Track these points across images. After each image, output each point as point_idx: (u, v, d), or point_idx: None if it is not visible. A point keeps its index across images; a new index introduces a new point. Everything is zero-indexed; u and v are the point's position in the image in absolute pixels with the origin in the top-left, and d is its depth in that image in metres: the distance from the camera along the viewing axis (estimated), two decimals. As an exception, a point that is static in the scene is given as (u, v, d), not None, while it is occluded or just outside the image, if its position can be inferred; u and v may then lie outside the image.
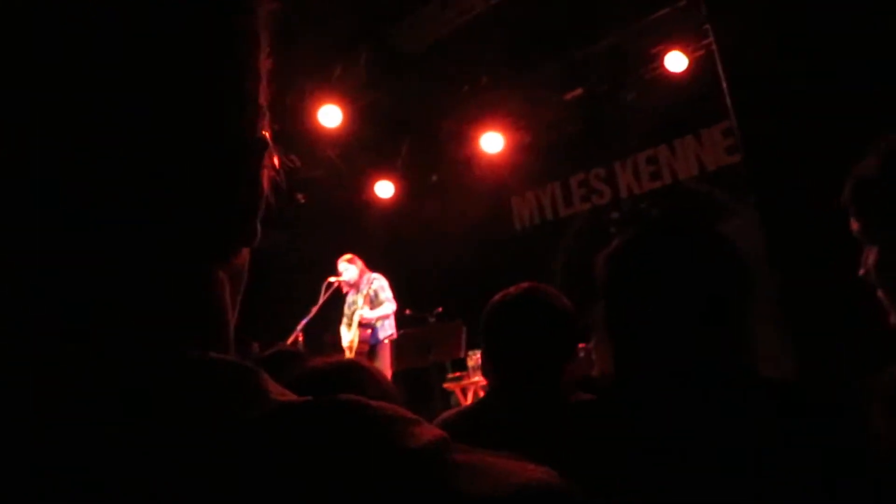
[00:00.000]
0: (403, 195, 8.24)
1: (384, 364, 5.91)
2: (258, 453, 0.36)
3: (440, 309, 6.35)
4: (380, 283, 6.24)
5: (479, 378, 6.13)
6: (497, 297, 1.64)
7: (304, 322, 5.80)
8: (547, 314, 1.55)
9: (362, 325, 6.13)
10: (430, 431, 0.39)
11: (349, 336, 6.24)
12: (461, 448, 0.39)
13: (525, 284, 1.64)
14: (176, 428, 0.35)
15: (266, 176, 0.49)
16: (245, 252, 0.48)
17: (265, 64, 0.49)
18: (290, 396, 0.41)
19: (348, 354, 6.08)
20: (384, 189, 8.07)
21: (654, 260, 1.06)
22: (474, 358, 6.28)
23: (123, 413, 0.36)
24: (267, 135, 0.50)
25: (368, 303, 6.15)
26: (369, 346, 6.10)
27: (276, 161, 0.52)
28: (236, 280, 0.46)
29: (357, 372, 0.95)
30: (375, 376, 0.97)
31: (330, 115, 6.71)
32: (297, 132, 6.67)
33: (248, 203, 0.45)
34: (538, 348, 1.54)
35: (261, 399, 0.39)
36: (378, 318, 6.12)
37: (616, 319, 1.09)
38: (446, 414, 1.76)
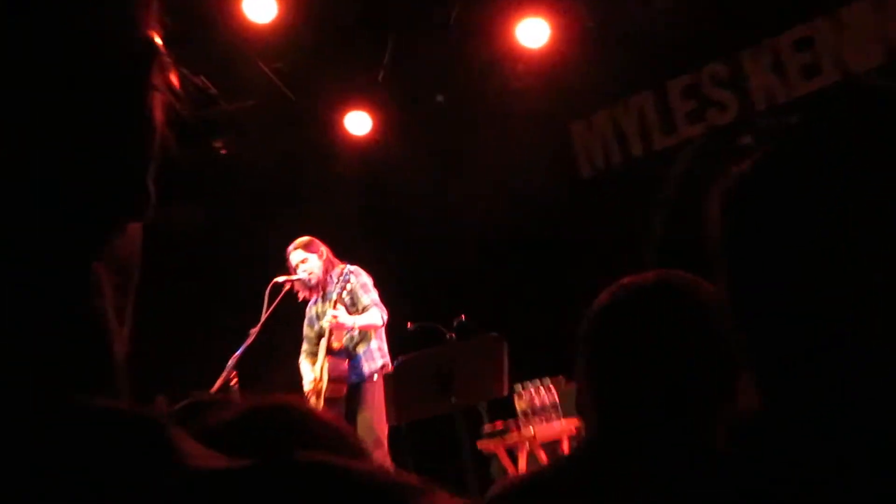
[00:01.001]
0: (389, 131, 8.24)
1: (375, 414, 5.95)
2: None
3: (463, 317, 6.36)
4: (359, 281, 6.28)
5: (535, 428, 6.16)
6: (605, 296, 1.67)
7: (238, 354, 5.84)
8: (695, 322, 1.58)
9: (334, 351, 6.17)
10: (446, 502, 0.41)
11: (313, 372, 6.28)
12: None
13: (651, 275, 1.66)
14: None
15: (158, 104, 0.49)
16: (133, 231, 0.49)
17: None
18: (221, 461, 0.42)
19: (315, 402, 6.13)
20: (357, 123, 8.07)
21: (811, 197, 1.05)
22: (526, 397, 6.30)
23: None
24: (156, 37, 0.50)
25: (344, 308, 6.20)
26: (349, 385, 6.15)
27: (174, 79, 0.53)
28: (123, 276, 0.47)
29: (295, 414, 0.98)
30: (324, 419, 1.01)
31: (259, 6, 6.69)
32: (207, 37, 6.68)
33: (130, 149, 0.45)
34: (682, 377, 1.57)
35: (175, 467, 0.41)
36: (363, 328, 6.16)
37: (746, 307, 1.09)
38: (510, 479, 1.78)
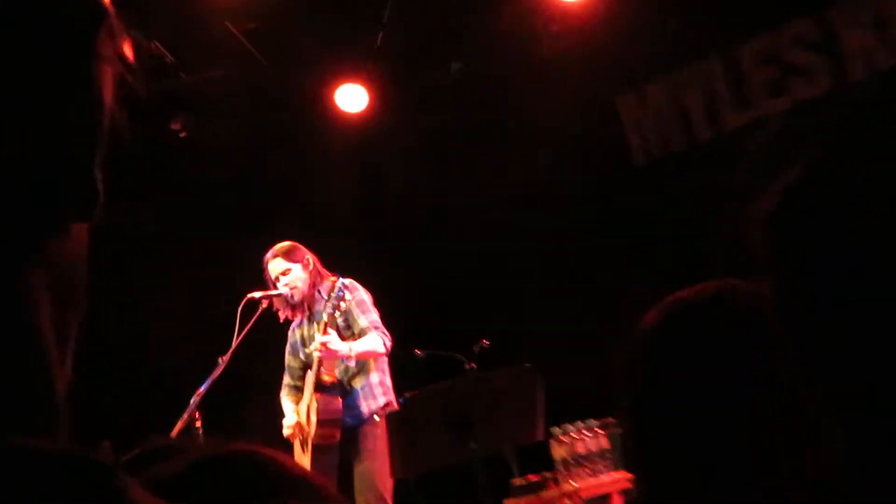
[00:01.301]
0: (390, 109, 8.23)
1: (377, 465, 5.94)
2: None
3: (485, 342, 6.35)
4: (355, 297, 6.26)
5: (577, 481, 6.14)
6: (652, 316, 1.68)
7: (203, 388, 5.85)
8: (765, 347, 1.56)
9: (324, 386, 6.16)
10: None
11: (297, 413, 6.28)
12: None
13: (710, 288, 1.68)
14: None
15: (108, 77, 0.50)
16: (78, 233, 0.50)
17: None
18: None
19: (300, 453, 6.13)
20: (351, 98, 8.07)
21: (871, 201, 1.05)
22: (566, 442, 6.29)
23: None
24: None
25: (336, 333, 6.16)
26: (343, 429, 6.13)
27: (126, 48, 0.53)
28: (65, 287, 0.48)
29: (261, 463, 1.02)
30: (297, 470, 1.05)
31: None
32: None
33: (73, 131, 0.46)
34: (751, 418, 1.57)
35: None
36: (361, 357, 6.14)
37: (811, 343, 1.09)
38: None
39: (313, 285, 6.33)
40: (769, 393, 1.56)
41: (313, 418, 6.11)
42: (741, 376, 1.57)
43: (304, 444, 6.13)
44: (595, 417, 6.36)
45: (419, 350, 6.54)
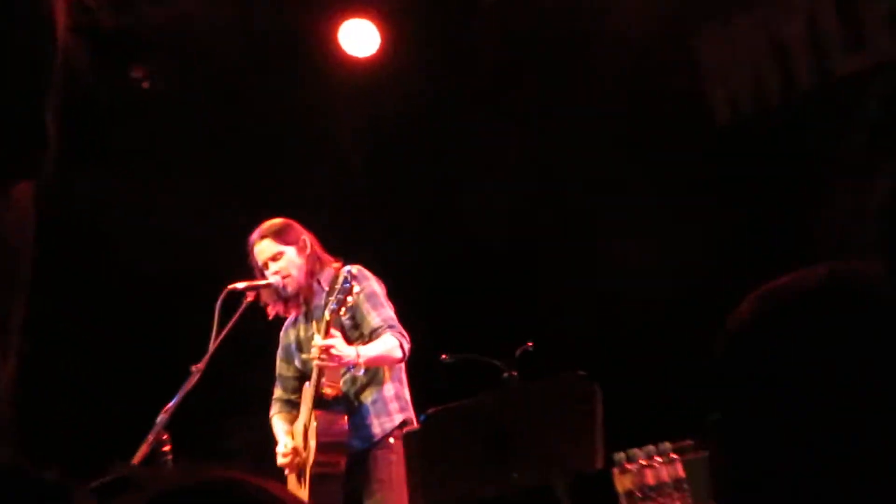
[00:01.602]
0: (407, 51, 8.25)
1: (391, 498, 5.97)
2: None
3: (529, 345, 6.36)
4: (365, 289, 6.26)
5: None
6: (746, 309, 1.70)
7: (172, 404, 5.87)
8: (890, 345, 1.58)
9: (326, 401, 6.17)
10: None
11: (290, 435, 6.29)
12: None
13: (818, 273, 1.68)
14: None
15: (61, 13, 0.50)
16: (22, 196, 0.49)
17: None
18: None
19: (295, 484, 6.16)
20: (357, 37, 8.09)
21: None
22: (633, 471, 6.30)
23: None
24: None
25: (340, 334, 6.15)
26: (349, 454, 6.15)
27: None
28: (7, 261, 0.48)
29: (244, 494, 1.05)
30: (285, 500, 1.07)
31: None
32: None
33: (18, 67, 0.46)
34: (872, 438, 1.56)
35: None
36: (372, 364, 6.13)
37: None
38: None
39: (311, 273, 6.34)
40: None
41: (312, 442, 6.12)
42: (860, 379, 1.57)
43: (300, 472, 6.14)
44: (668, 440, 6.37)
45: (446, 354, 6.54)
